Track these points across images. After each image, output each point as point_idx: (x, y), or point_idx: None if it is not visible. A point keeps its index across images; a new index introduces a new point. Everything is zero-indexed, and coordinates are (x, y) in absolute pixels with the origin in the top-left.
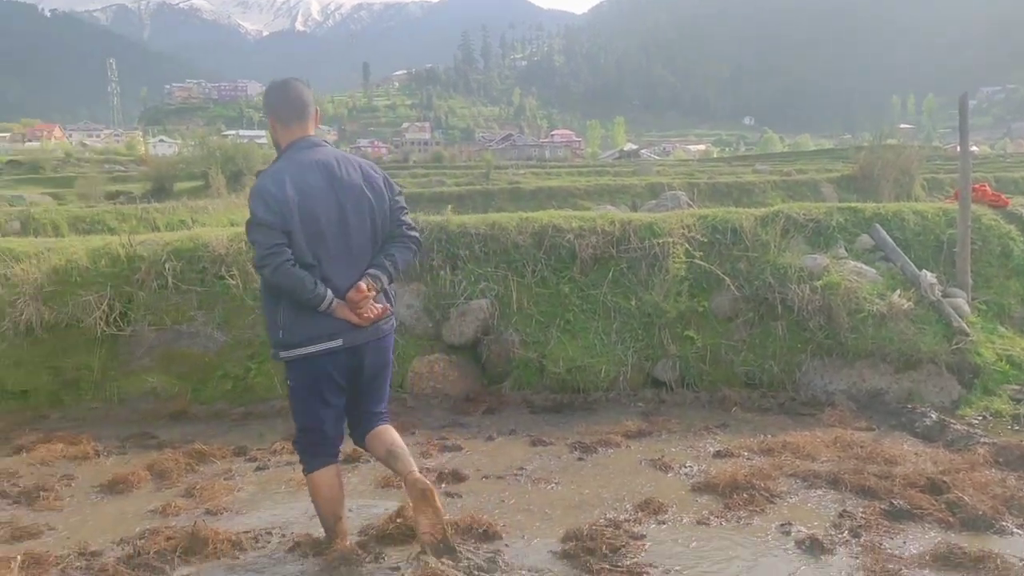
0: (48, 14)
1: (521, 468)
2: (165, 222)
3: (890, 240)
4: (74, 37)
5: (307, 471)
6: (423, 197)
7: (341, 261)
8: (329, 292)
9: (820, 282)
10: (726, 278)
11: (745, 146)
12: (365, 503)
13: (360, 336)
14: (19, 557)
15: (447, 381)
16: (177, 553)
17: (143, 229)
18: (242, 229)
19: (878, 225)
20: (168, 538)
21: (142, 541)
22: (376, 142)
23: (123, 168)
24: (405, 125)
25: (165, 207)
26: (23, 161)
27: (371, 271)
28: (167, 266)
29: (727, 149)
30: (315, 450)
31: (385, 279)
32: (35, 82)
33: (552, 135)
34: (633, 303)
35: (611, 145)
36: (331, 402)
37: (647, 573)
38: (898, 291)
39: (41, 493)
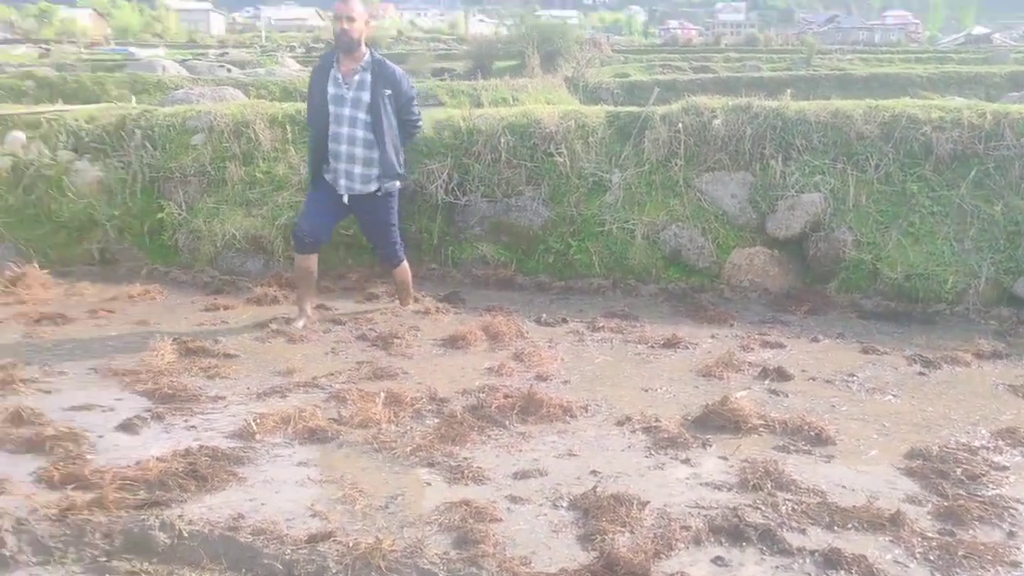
0: None
1: (852, 375)
2: (489, 99)
3: None
4: None
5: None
6: (739, 82)
7: None
8: None
9: None
10: None
11: None
12: (685, 389)
13: None
14: (382, 394)
15: (767, 276)
16: (515, 411)
17: (470, 105)
18: (572, 107)
19: None
20: (506, 396)
21: (483, 395)
22: (686, 24)
23: (446, 46)
24: (719, 6)
25: (488, 84)
26: None
27: None
28: (501, 140)
29: None
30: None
31: None
32: None
33: (884, 16)
34: (998, 208)
35: (955, 28)
36: None
37: (1015, 509)
38: None
39: (394, 340)
